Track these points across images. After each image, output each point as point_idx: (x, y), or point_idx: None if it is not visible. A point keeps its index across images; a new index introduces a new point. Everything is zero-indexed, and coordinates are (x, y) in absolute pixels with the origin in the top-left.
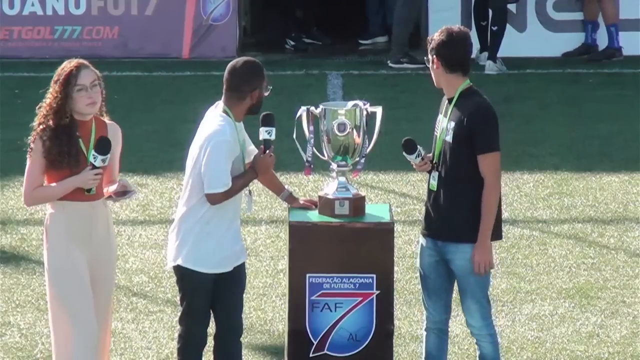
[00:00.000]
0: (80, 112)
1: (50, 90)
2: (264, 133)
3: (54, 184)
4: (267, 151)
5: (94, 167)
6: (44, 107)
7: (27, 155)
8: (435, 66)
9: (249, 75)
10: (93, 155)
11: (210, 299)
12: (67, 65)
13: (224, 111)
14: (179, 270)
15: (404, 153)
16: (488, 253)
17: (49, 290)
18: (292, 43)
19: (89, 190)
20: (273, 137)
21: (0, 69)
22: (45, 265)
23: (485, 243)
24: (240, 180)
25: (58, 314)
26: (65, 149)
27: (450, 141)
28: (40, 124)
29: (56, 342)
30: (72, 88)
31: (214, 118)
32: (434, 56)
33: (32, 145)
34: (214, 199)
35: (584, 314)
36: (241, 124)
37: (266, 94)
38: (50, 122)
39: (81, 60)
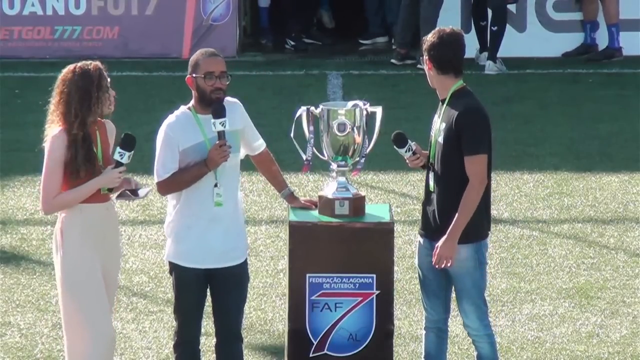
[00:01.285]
0: (103, 113)
1: (69, 94)
2: (211, 125)
3: (76, 189)
4: (217, 143)
5: (118, 164)
6: (68, 113)
7: (45, 160)
8: (427, 67)
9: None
10: (119, 152)
11: (200, 295)
12: (88, 67)
13: (189, 106)
14: (168, 265)
15: (394, 147)
16: (452, 250)
17: (63, 294)
18: (292, 43)
19: (110, 190)
20: (219, 128)
21: (0, 69)
22: (59, 269)
23: (453, 240)
24: (187, 171)
25: (73, 317)
26: (85, 155)
27: (442, 142)
28: (63, 129)
29: (70, 344)
30: (104, 90)
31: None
32: (427, 57)
33: (48, 151)
34: (157, 190)
35: (584, 314)
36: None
37: (198, 83)
38: (75, 129)
39: (97, 62)
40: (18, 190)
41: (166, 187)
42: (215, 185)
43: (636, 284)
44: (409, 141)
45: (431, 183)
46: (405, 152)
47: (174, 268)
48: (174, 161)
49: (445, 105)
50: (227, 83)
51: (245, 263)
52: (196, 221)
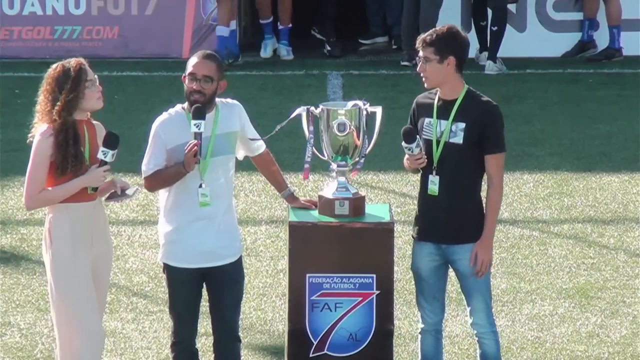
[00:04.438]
0: (91, 109)
1: (52, 91)
2: (191, 126)
3: (61, 186)
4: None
5: (103, 163)
6: (51, 110)
7: (31, 156)
8: (447, 65)
9: None
10: (103, 151)
11: (193, 294)
12: (69, 64)
13: (184, 105)
14: (162, 265)
15: (403, 143)
16: (491, 252)
17: (54, 293)
18: (329, 48)
19: (95, 189)
20: (193, 129)
21: (0, 69)
22: (49, 269)
23: (490, 242)
24: (169, 170)
25: (64, 316)
26: (72, 151)
27: (461, 142)
28: (46, 124)
29: (61, 344)
30: (84, 84)
31: None
32: (450, 56)
33: (35, 146)
34: (144, 185)
35: (584, 314)
36: (218, 115)
37: (185, 83)
38: (58, 124)
39: (80, 59)
40: (18, 190)
41: (150, 183)
42: (200, 186)
43: (636, 284)
44: (418, 136)
45: (433, 187)
46: (415, 147)
47: (166, 268)
48: (159, 158)
49: (458, 105)
50: (211, 87)
51: (238, 261)
52: (185, 221)
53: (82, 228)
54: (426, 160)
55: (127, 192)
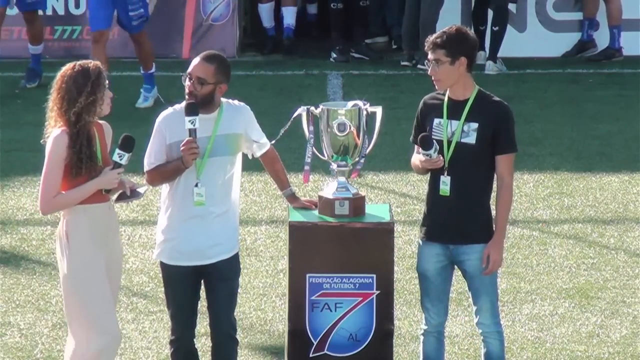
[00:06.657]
0: (104, 113)
1: (68, 90)
2: (185, 122)
3: (76, 189)
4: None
5: (117, 166)
6: (68, 110)
7: (45, 159)
8: (459, 66)
9: None
10: (119, 154)
11: (187, 292)
12: (87, 65)
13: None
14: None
15: (421, 150)
16: (502, 252)
17: (70, 295)
18: (334, 55)
19: (108, 191)
20: (188, 126)
21: (0, 69)
22: (66, 270)
23: (502, 243)
24: (168, 165)
25: (81, 317)
26: (86, 152)
27: (474, 142)
28: (65, 129)
29: (76, 344)
30: (103, 88)
31: None
32: (461, 57)
33: (49, 150)
34: (146, 179)
35: (584, 314)
36: (220, 115)
37: (184, 83)
38: (75, 127)
39: (98, 62)
40: (18, 190)
41: (151, 177)
42: (196, 185)
43: (636, 284)
44: (435, 141)
45: (445, 187)
46: (433, 152)
47: (161, 265)
48: (160, 152)
49: (469, 105)
50: (203, 89)
51: (231, 260)
52: (178, 219)
53: (99, 229)
54: (442, 161)
55: (139, 190)
